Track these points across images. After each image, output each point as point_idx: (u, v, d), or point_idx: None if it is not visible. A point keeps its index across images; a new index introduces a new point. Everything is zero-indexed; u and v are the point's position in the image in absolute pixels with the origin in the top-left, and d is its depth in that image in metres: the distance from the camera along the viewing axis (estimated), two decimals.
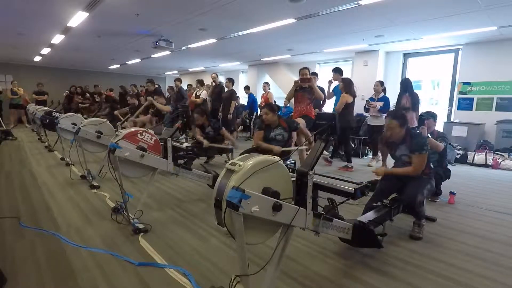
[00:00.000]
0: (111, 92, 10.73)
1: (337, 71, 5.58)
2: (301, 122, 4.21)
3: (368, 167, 5.18)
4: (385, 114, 5.29)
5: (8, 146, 6.35)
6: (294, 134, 4.13)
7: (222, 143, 4.47)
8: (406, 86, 4.88)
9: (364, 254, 2.13)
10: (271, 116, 3.44)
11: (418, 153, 2.38)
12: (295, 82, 4.48)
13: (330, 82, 5.69)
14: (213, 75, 7.21)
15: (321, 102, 6.17)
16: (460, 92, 6.87)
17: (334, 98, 5.79)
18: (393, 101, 5.51)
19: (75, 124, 4.25)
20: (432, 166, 2.60)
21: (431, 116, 3.37)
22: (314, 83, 4.37)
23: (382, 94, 5.35)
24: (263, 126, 3.56)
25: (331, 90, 5.74)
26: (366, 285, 1.77)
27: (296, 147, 3.52)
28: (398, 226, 2.62)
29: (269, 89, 7.58)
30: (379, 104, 5.20)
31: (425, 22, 5.31)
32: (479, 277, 1.89)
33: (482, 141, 6.15)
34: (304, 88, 4.49)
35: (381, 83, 5.40)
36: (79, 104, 10.39)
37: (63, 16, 5.47)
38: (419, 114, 3.52)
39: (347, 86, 4.94)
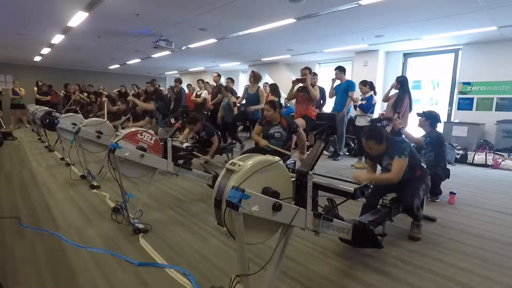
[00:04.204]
0: (105, 91, 10.74)
1: (341, 69, 5.59)
2: (301, 122, 4.21)
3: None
4: (371, 114, 5.29)
5: (8, 146, 6.35)
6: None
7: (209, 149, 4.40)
8: (407, 85, 4.88)
9: (364, 254, 2.13)
10: (272, 113, 3.46)
11: (398, 157, 2.29)
12: (292, 82, 4.49)
13: (333, 80, 5.69)
14: (215, 75, 7.21)
15: (321, 102, 6.18)
16: (460, 92, 6.87)
17: (334, 98, 5.80)
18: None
19: (75, 124, 4.25)
20: (424, 166, 2.56)
21: (424, 115, 3.37)
22: (309, 83, 4.36)
23: (371, 93, 5.27)
24: (263, 122, 3.61)
25: (333, 88, 5.73)
26: (366, 285, 1.77)
27: (287, 152, 3.44)
28: (398, 226, 2.62)
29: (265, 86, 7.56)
30: (361, 102, 5.21)
31: (425, 22, 5.31)
32: (479, 277, 1.89)
33: (482, 141, 6.15)
34: (304, 88, 4.49)
35: (364, 83, 5.30)
36: (75, 98, 10.37)
37: (63, 16, 5.47)
38: (418, 112, 3.53)
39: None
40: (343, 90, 5.55)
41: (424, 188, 2.46)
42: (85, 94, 10.69)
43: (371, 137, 2.37)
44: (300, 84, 4.40)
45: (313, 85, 4.92)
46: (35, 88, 10.48)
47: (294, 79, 4.48)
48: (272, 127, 3.53)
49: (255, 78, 5.68)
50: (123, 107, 6.80)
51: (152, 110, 5.96)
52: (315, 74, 6.19)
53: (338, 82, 5.67)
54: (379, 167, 2.69)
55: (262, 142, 3.41)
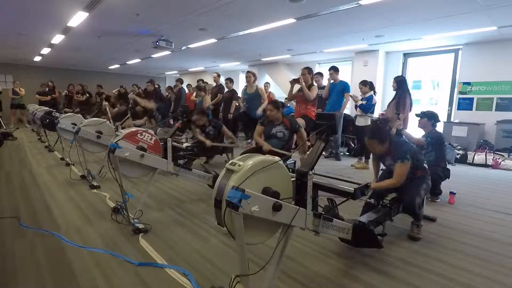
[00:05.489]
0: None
1: (335, 70, 5.59)
2: (301, 122, 4.23)
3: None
4: (371, 114, 5.28)
5: (8, 146, 6.35)
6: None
7: (222, 142, 4.49)
8: (406, 85, 4.87)
9: (364, 254, 2.13)
10: (275, 113, 3.49)
11: (400, 162, 2.31)
12: (290, 82, 4.53)
13: (329, 80, 5.70)
14: (215, 75, 7.21)
15: (326, 102, 6.18)
16: (460, 92, 6.87)
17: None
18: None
19: (75, 124, 4.25)
20: (426, 166, 2.58)
21: (426, 115, 3.38)
22: (302, 82, 4.38)
23: (371, 93, 5.24)
24: (265, 122, 3.63)
25: (328, 88, 5.73)
26: (366, 285, 1.77)
27: (289, 153, 3.46)
28: (398, 226, 2.62)
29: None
30: (361, 102, 5.21)
31: (425, 22, 5.31)
32: (479, 277, 1.89)
33: (482, 141, 6.15)
34: None
35: (364, 83, 5.27)
36: (76, 99, 10.42)
37: (63, 16, 5.47)
38: (416, 113, 3.53)
39: None
40: (339, 90, 5.54)
41: (425, 188, 2.47)
42: (87, 94, 10.71)
43: (374, 137, 2.41)
44: (294, 84, 4.44)
45: (313, 85, 4.93)
46: None
47: (291, 79, 4.52)
48: (274, 127, 3.55)
49: (254, 78, 6.03)
50: (122, 108, 6.80)
51: (153, 109, 6.01)
52: (320, 74, 6.20)
53: (332, 82, 5.69)
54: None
55: (266, 147, 3.40)
